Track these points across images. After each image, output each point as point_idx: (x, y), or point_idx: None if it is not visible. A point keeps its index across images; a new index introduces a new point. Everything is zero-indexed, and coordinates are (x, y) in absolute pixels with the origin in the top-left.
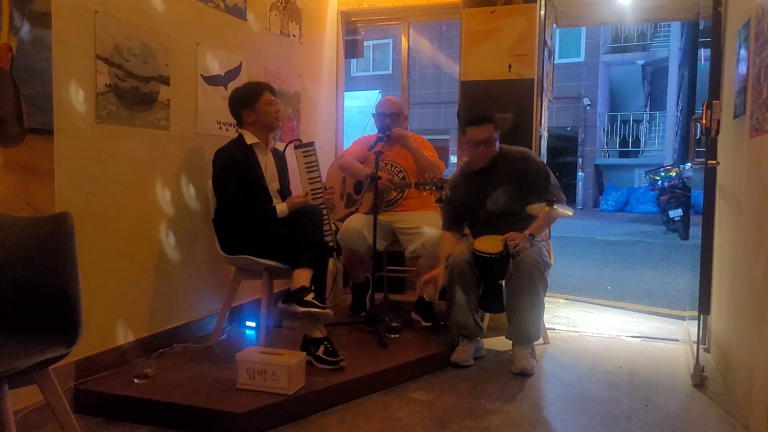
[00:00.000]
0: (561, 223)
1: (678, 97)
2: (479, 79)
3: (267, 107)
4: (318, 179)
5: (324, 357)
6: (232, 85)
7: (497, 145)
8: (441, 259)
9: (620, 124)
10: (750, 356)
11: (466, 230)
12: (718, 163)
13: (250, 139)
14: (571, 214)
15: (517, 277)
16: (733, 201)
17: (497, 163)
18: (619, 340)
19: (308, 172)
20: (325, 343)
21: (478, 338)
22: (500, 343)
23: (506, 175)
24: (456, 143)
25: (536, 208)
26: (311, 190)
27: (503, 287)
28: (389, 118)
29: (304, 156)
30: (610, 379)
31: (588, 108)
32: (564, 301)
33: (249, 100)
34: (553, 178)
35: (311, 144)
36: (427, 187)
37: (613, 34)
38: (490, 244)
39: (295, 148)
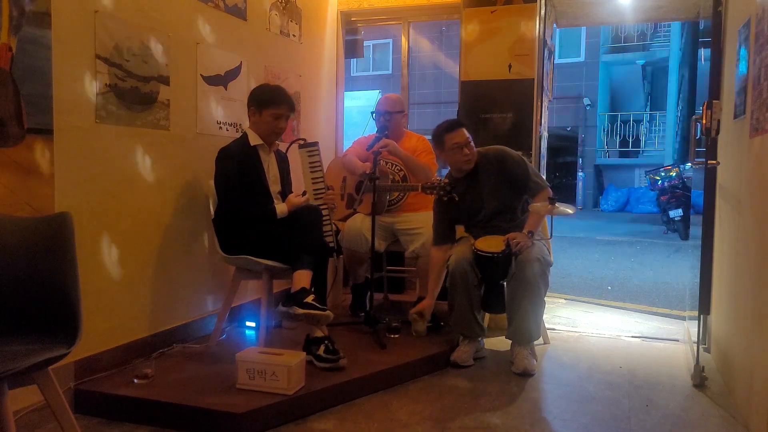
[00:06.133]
0: (561, 223)
1: (678, 97)
2: (479, 79)
3: (270, 120)
4: (321, 179)
5: (324, 355)
6: (233, 85)
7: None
8: (430, 288)
9: (620, 124)
10: (750, 356)
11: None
12: (718, 163)
13: (254, 139)
14: (572, 212)
15: (520, 276)
16: (733, 201)
17: (479, 164)
18: (619, 340)
19: (311, 172)
20: (326, 342)
21: (479, 339)
22: (500, 343)
23: (490, 173)
24: None
25: (539, 206)
26: (314, 190)
27: (504, 287)
28: (383, 116)
29: (309, 156)
30: (610, 379)
31: (588, 108)
32: (564, 301)
33: (262, 103)
34: (531, 168)
35: (315, 144)
36: (435, 192)
37: (613, 34)
38: (491, 244)
39: (300, 147)
